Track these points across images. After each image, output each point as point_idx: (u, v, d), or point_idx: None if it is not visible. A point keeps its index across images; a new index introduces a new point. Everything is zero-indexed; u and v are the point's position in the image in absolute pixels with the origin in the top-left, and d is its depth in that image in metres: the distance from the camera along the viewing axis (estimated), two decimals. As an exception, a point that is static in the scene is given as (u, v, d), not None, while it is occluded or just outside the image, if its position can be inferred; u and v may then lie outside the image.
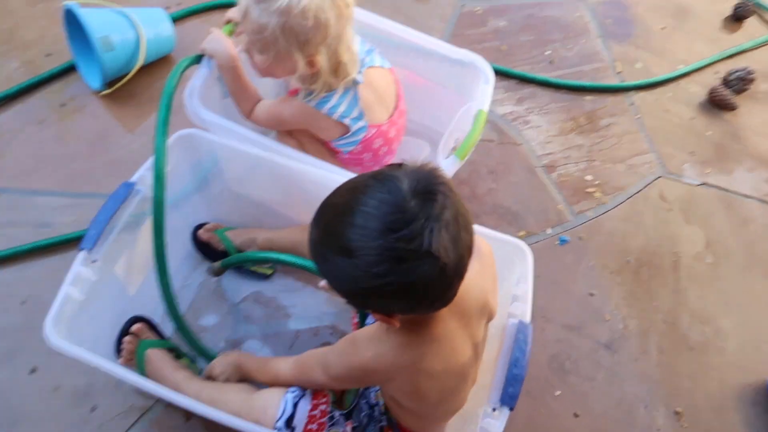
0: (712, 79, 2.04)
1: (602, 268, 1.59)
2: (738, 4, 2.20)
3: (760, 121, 1.98)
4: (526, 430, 1.34)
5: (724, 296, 1.60)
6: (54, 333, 1.00)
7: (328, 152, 1.46)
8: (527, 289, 1.15)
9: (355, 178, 0.89)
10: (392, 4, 2.01)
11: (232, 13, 1.41)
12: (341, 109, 1.31)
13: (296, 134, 1.42)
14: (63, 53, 1.73)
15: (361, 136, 1.36)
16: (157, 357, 1.22)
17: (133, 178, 1.18)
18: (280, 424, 1.06)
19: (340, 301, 1.42)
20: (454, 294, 0.85)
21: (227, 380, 1.22)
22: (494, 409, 1.04)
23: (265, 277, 1.47)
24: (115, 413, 1.25)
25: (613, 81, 1.96)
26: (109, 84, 1.67)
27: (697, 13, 2.23)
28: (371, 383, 1.05)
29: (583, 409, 1.39)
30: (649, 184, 1.76)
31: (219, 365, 1.23)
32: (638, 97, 1.95)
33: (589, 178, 1.74)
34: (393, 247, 0.77)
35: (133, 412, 1.25)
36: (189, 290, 1.42)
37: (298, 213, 1.47)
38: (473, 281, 0.93)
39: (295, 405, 1.08)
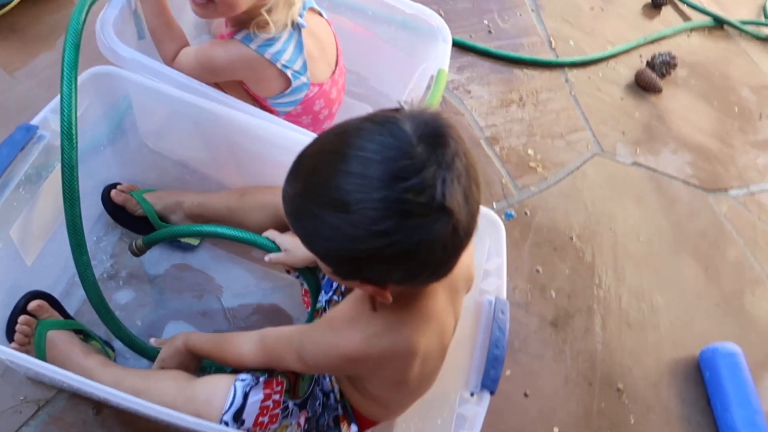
0: (637, 62, 2.08)
1: (547, 245, 1.55)
2: (658, -9, 2.28)
3: (682, 105, 2.05)
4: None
5: (656, 274, 1.63)
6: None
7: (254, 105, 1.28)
8: (501, 263, 1.05)
9: (342, 122, 0.73)
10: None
11: None
12: (285, 56, 1.12)
13: (225, 86, 1.22)
14: None
15: (302, 95, 1.18)
16: (62, 340, 0.98)
17: (34, 121, 0.93)
18: (228, 417, 0.88)
19: (280, 276, 1.26)
20: (458, 260, 0.73)
21: (188, 370, 1.00)
22: (473, 394, 0.94)
23: (191, 247, 1.26)
24: (4, 408, 1.00)
25: (549, 56, 1.93)
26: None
27: (621, -3, 2.28)
28: (354, 372, 0.90)
29: (533, 388, 1.34)
30: (586, 161, 1.75)
31: (172, 357, 1.01)
32: (572, 74, 1.94)
33: (531, 152, 1.70)
34: (400, 199, 0.62)
35: (27, 406, 1.01)
36: (99, 261, 1.18)
37: (229, 174, 1.27)
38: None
39: (245, 395, 0.90)
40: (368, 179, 0.63)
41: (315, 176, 0.68)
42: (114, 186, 1.19)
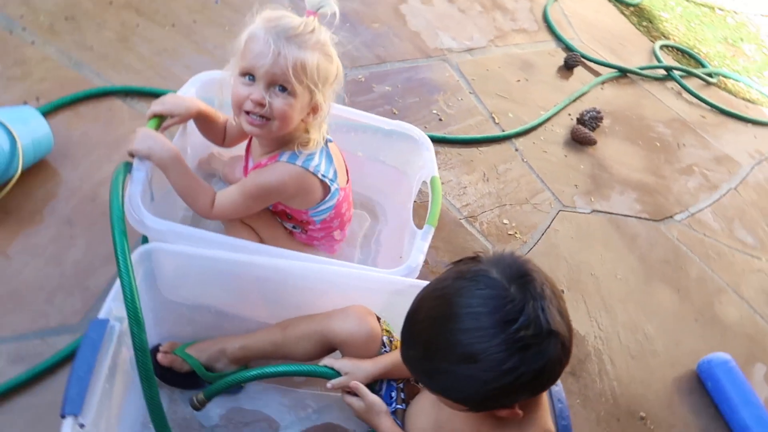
0: (568, 120, 2.35)
1: (545, 303, 1.71)
2: (567, 56, 2.59)
3: (615, 150, 2.33)
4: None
5: (640, 306, 1.83)
6: None
7: (286, 235, 1.37)
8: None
9: (433, 285, 0.87)
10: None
11: (157, 107, 1.27)
12: (322, 167, 1.25)
13: (252, 220, 1.31)
14: None
15: (335, 200, 1.30)
16: None
17: (102, 315, 0.98)
18: None
19: (326, 396, 1.33)
20: None
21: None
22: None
23: (238, 390, 1.30)
24: None
25: (496, 131, 2.15)
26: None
27: (538, 66, 2.56)
28: None
29: (573, 439, 1.46)
30: (553, 218, 1.95)
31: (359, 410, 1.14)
32: (519, 142, 2.16)
33: (506, 221, 1.87)
34: (516, 338, 0.75)
35: None
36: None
37: (258, 312, 1.34)
38: None
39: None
40: (484, 330, 0.76)
41: (435, 339, 0.80)
42: (156, 348, 1.24)
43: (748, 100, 3.07)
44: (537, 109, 2.32)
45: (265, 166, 1.24)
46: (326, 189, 1.27)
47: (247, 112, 1.16)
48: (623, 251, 1.96)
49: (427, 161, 1.44)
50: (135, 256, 1.08)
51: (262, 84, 1.14)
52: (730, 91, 3.06)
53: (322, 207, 1.29)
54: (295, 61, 1.11)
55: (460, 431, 0.96)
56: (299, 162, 1.21)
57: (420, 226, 1.31)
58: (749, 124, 2.85)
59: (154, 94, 1.76)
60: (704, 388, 1.69)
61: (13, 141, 1.38)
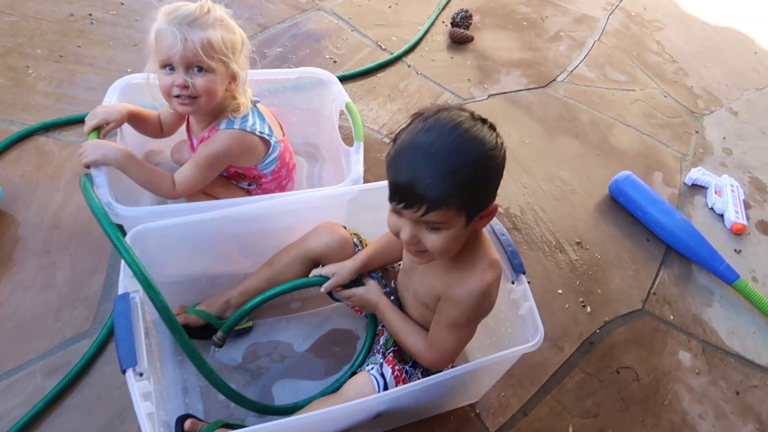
0: (443, 27, 2.59)
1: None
2: (425, -29, 2.81)
3: (491, 40, 2.60)
4: None
5: (551, 158, 2.13)
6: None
7: (244, 195, 1.55)
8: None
9: (409, 134, 1.01)
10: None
11: (93, 120, 1.41)
12: (258, 126, 1.43)
13: (209, 188, 1.48)
14: None
15: (277, 152, 1.49)
16: None
17: (121, 291, 1.15)
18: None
19: (321, 312, 1.55)
20: None
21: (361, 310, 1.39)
22: (513, 282, 1.31)
23: (248, 330, 1.50)
24: None
25: (385, 56, 2.37)
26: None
27: (402, -12, 2.78)
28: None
29: (530, 275, 1.75)
30: (459, 112, 2.21)
31: (359, 301, 1.35)
32: (409, 59, 2.39)
33: (420, 128, 2.11)
34: (475, 118, 1.01)
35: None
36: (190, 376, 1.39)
37: (240, 263, 1.52)
38: None
39: (382, 375, 1.22)
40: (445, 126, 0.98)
41: (438, 156, 0.97)
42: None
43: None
44: (414, 27, 2.55)
45: (209, 137, 1.40)
46: (266, 143, 1.45)
47: (177, 96, 1.33)
48: (524, 120, 2.25)
49: (336, 93, 1.65)
50: (130, 236, 1.24)
51: (181, 69, 1.30)
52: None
53: (268, 160, 1.48)
54: (202, 41, 1.28)
55: (429, 286, 1.19)
56: (236, 125, 1.39)
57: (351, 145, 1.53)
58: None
59: (72, 122, 1.86)
60: (618, 204, 2.02)
61: (-35, 198, 1.49)
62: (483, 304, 1.13)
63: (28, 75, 1.99)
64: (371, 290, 1.34)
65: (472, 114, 1.00)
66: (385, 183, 1.02)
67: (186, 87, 1.31)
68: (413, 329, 1.27)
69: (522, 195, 1.98)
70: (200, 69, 1.31)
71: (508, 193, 1.97)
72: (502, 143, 1.00)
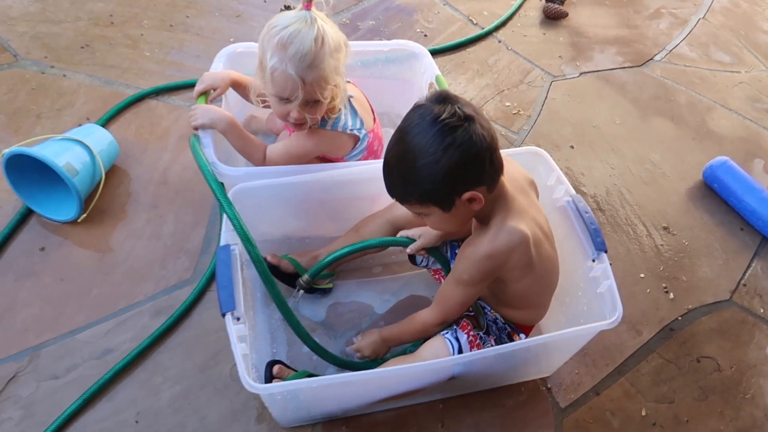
0: (537, 2, 2.55)
1: (560, 159, 1.96)
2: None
3: (587, 17, 2.53)
4: None
5: (642, 140, 2.07)
6: (252, 383, 1.07)
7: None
8: (558, 175, 1.44)
9: None
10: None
11: (200, 85, 1.52)
12: (349, 123, 1.49)
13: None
14: (5, 207, 1.66)
15: (365, 143, 1.55)
16: None
17: (223, 243, 1.26)
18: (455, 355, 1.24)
19: (402, 277, 1.62)
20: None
21: (378, 355, 1.40)
22: (593, 260, 1.32)
23: (328, 290, 1.59)
24: None
25: (476, 30, 2.37)
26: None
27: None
28: (497, 271, 1.21)
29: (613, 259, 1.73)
30: (548, 89, 2.18)
31: (367, 347, 1.39)
32: (500, 34, 2.38)
33: (508, 104, 2.11)
34: (445, 125, 1.04)
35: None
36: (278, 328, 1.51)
37: (326, 227, 1.61)
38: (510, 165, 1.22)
39: (457, 339, 1.27)
40: (423, 130, 1.05)
41: (399, 159, 1.11)
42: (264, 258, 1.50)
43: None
44: (507, 1, 2.52)
45: (302, 132, 1.48)
46: (356, 138, 1.52)
47: (290, 123, 1.42)
48: (616, 99, 2.19)
49: (427, 66, 1.68)
50: (231, 193, 1.35)
51: (297, 104, 1.36)
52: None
53: (355, 152, 1.55)
54: (318, 79, 1.32)
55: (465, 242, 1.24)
56: (328, 126, 1.47)
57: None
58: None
59: (181, 87, 2.01)
60: (713, 191, 1.94)
61: (91, 153, 1.65)
62: (488, 265, 1.18)
63: (142, 42, 2.16)
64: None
65: (435, 115, 1.04)
66: None
67: (302, 118, 1.40)
68: (416, 314, 1.36)
69: (609, 176, 1.95)
70: (315, 101, 1.37)
71: (594, 174, 1.94)
72: (450, 144, 1.03)
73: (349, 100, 1.51)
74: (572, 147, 2.01)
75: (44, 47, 2.10)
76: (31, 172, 1.63)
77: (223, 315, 1.15)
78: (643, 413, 1.45)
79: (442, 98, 1.07)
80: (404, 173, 1.10)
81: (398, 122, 1.88)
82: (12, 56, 2.05)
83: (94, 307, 1.50)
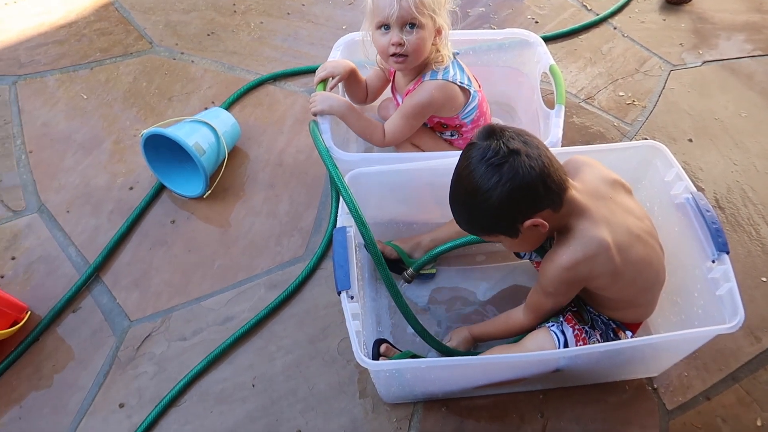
0: (658, -13, 2.42)
1: (677, 153, 1.87)
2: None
3: (712, 2, 2.38)
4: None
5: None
6: (365, 359, 1.13)
7: (446, 146, 1.66)
8: (677, 170, 1.39)
9: None
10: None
11: (322, 72, 1.60)
12: (458, 76, 1.52)
13: (414, 138, 1.61)
14: (142, 182, 1.83)
15: (476, 101, 1.56)
16: None
17: (339, 225, 1.33)
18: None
19: (504, 266, 1.63)
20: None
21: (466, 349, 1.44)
22: (713, 261, 1.26)
23: (431, 276, 1.63)
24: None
25: (590, 17, 2.29)
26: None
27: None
28: (581, 281, 1.22)
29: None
30: (666, 79, 2.08)
31: (458, 345, 1.43)
32: (615, 21, 2.29)
33: (621, 93, 2.04)
34: (491, 163, 1.10)
35: (401, 423, 1.39)
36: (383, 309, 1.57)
37: (432, 213, 1.64)
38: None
39: (563, 332, 1.27)
40: (475, 169, 1.11)
41: (461, 197, 1.19)
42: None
43: None
44: (626, -14, 2.41)
45: (414, 89, 1.52)
46: (467, 93, 1.53)
47: (392, 54, 1.45)
48: (743, 91, 2.05)
49: (541, 55, 1.66)
50: (348, 178, 1.41)
51: (396, 28, 1.42)
52: None
53: (469, 108, 1.56)
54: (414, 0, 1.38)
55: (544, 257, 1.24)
56: (439, 76, 1.49)
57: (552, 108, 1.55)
58: None
59: (297, 73, 2.12)
60: None
61: (216, 133, 1.79)
62: (569, 276, 1.19)
63: (261, 30, 2.28)
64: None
65: (482, 154, 1.09)
66: (587, 147, 1.11)
67: (401, 45, 1.43)
68: (508, 313, 1.41)
69: (731, 172, 1.84)
70: (412, 26, 1.42)
71: (713, 170, 1.84)
72: (497, 182, 1.08)
73: (455, 58, 1.54)
74: (690, 140, 1.91)
75: (175, 35, 2.27)
76: (164, 151, 1.79)
77: (339, 293, 1.22)
78: (759, 423, 1.38)
79: (490, 134, 1.11)
80: (465, 211, 1.19)
81: (509, 112, 1.93)
82: (148, 43, 2.24)
83: (217, 277, 1.64)
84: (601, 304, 1.32)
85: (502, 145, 1.08)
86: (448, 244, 1.48)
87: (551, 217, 1.14)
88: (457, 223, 1.23)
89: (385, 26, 1.44)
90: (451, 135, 1.65)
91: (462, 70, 1.54)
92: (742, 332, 1.51)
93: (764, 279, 1.61)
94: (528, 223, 1.12)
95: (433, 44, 1.49)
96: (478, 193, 1.10)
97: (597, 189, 1.22)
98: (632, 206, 1.26)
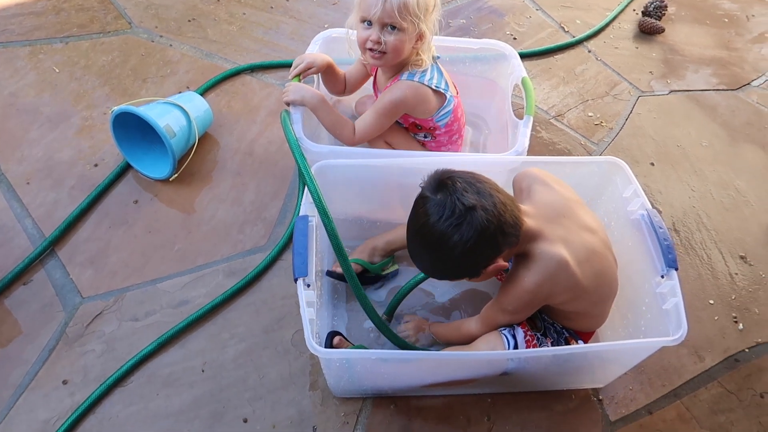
0: (633, 15, 2.50)
1: (638, 174, 1.92)
2: (623, -44, 2.71)
3: (684, 34, 2.46)
4: None
5: (728, 165, 2.00)
6: (317, 347, 1.14)
7: (419, 147, 1.68)
8: (636, 188, 1.43)
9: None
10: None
11: (300, 64, 1.60)
12: (435, 80, 1.54)
13: (387, 136, 1.62)
14: (108, 160, 1.80)
15: (452, 106, 1.59)
16: None
17: (302, 213, 1.33)
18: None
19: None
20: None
21: (418, 341, 1.48)
22: (662, 276, 1.30)
23: (396, 273, 1.64)
24: (336, 427, 1.37)
25: (567, 38, 2.35)
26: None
27: (596, -29, 2.71)
28: (542, 302, 1.26)
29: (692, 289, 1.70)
30: (634, 104, 2.15)
31: (414, 328, 1.49)
32: (591, 44, 2.35)
33: (590, 114, 2.09)
34: (450, 222, 1.12)
35: (349, 418, 1.39)
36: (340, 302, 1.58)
37: (396, 213, 1.64)
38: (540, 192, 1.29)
39: (514, 336, 1.29)
40: (434, 227, 1.12)
41: (421, 248, 1.21)
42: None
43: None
44: (602, 12, 2.49)
45: (390, 86, 1.54)
46: (442, 97, 1.55)
47: (369, 49, 1.47)
48: (705, 121, 2.13)
49: (515, 67, 1.70)
50: (315, 168, 1.41)
51: (377, 27, 1.44)
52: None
53: (443, 112, 1.58)
54: (399, 4, 1.40)
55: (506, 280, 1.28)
56: (416, 78, 1.51)
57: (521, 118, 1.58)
58: (822, -17, 2.84)
59: (274, 66, 2.12)
60: (800, 226, 1.86)
61: (188, 117, 1.77)
62: (530, 297, 1.22)
63: (243, 21, 2.28)
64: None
65: (439, 213, 1.11)
66: (552, 158, 1.13)
67: (378, 43, 1.45)
68: (462, 322, 1.44)
69: (688, 197, 1.90)
70: (393, 28, 1.44)
71: (672, 194, 1.90)
72: (458, 240, 1.10)
73: (436, 62, 1.56)
74: (652, 164, 1.97)
75: (155, 17, 2.26)
76: (134, 130, 1.77)
77: (296, 280, 1.22)
78: (696, 439, 1.43)
79: (441, 185, 1.13)
80: (428, 264, 1.22)
81: (475, 121, 1.96)
82: (127, 23, 2.22)
83: (175, 260, 1.62)
84: (556, 314, 1.34)
85: (457, 201, 1.10)
86: (410, 283, 1.50)
87: (509, 252, 1.19)
88: (419, 269, 1.27)
89: (367, 22, 1.46)
90: (425, 137, 1.67)
91: (441, 74, 1.57)
92: (686, 351, 1.56)
93: (712, 302, 1.66)
94: (490, 268, 1.17)
95: (413, 48, 1.51)
96: (440, 251, 1.13)
97: (550, 210, 1.25)
98: (586, 220, 1.29)
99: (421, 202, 1.16)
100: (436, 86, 1.53)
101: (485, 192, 1.12)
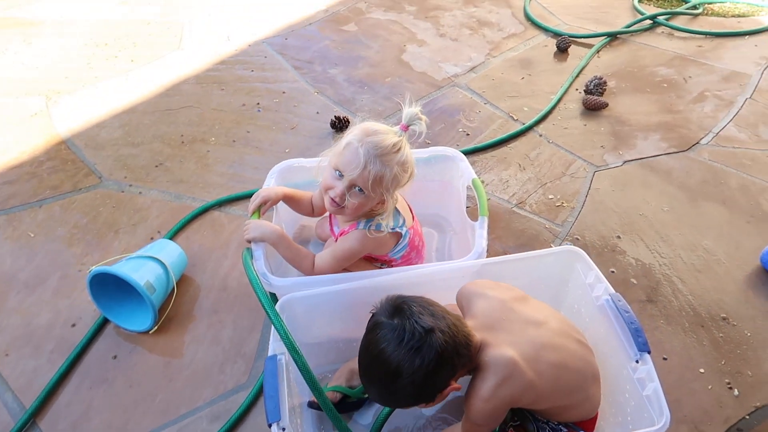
0: (576, 95, 2.63)
1: (606, 252, 1.95)
2: (558, 41, 2.89)
3: (627, 105, 2.58)
4: None
5: (693, 226, 2.04)
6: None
7: (375, 270, 1.70)
8: (596, 273, 1.45)
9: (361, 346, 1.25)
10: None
11: (256, 200, 1.66)
12: (391, 222, 1.58)
13: (348, 266, 1.66)
14: (85, 318, 1.82)
15: (407, 239, 1.63)
16: None
17: (270, 352, 1.34)
18: None
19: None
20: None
21: None
22: (637, 361, 1.30)
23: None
24: None
25: (516, 126, 2.46)
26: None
27: (536, 59, 2.87)
28: (507, 407, 1.23)
29: (667, 352, 1.68)
30: (591, 180, 2.21)
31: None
32: (541, 128, 2.46)
33: (551, 196, 2.15)
34: (409, 348, 1.13)
35: None
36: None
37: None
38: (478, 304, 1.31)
39: None
40: (393, 355, 1.14)
41: (375, 378, 1.20)
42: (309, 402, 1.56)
43: (739, 16, 3.23)
44: (547, 96, 2.61)
45: (348, 232, 1.59)
46: (398, 236, 1.61)
47: (331, 198, 1.52)
48: (663, 186, 2.19)
49: (464, 170, 1.77)
50: (276, 308, 1.45)
51: (346, 183, 1.47)
52: (718, 14, 3.25)
53: (399, 248, 1.63)
54: (376, 175, 1.44)
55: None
56: (372, 226, 1.56)
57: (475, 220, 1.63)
58: (746, 37, 3.01)
59: (240, 198, 2.19)
60: (773, 276, 1.87)
61: (164, 267, 1.81)
62: (492, 406, 1.20)
63: (208, 158, 2.39)
64: None
65: (398, 338, 1.13)
66: (510, 257, 1.25)
67: (342, 199, 1.50)
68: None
69: (659, 265, 1.91)
70: (360, 191, 1.48)
71: (643, 264, 1.92)
72: (419, 366, 1.11)
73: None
74: (619, 237, 2.00)
75: (124, 167, 2.36)
76: (110, 285, 1.80)
77: (270, 425, 1.21)
78: None
79: (397, 310, 1.16)
80: (385, 392, 1.20)
81: (439, 222, 2.00)
82: (97, 178, 2.32)
83: (158, 412, 1.60)
84: (542, 413, 1.32)
85: (415, 324, 1.12)
86: (383, 414, 1.50)
87: (462, 373, 1.20)
88: (372, 399, 1.28)
89: (339, 172, 1.49)
90: (381, 266, 1.71)
91: (397, 213, 1.61)
92: (687, 428, 1.52)
93: (702, 370, 1.64)
94: (445, 391, 1.18)
95: (373, 207, 1.56)
96: (401, 376, 1.13)
97: (488, 318, 1.27)
98: (530, 314, 1.30)
99: (375, 327, 1.16)
100: (392, 229, 1.59)
101: (439, 314, 1.14)
